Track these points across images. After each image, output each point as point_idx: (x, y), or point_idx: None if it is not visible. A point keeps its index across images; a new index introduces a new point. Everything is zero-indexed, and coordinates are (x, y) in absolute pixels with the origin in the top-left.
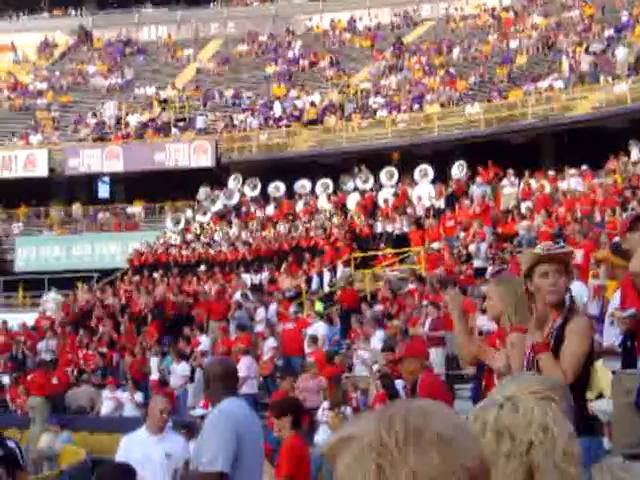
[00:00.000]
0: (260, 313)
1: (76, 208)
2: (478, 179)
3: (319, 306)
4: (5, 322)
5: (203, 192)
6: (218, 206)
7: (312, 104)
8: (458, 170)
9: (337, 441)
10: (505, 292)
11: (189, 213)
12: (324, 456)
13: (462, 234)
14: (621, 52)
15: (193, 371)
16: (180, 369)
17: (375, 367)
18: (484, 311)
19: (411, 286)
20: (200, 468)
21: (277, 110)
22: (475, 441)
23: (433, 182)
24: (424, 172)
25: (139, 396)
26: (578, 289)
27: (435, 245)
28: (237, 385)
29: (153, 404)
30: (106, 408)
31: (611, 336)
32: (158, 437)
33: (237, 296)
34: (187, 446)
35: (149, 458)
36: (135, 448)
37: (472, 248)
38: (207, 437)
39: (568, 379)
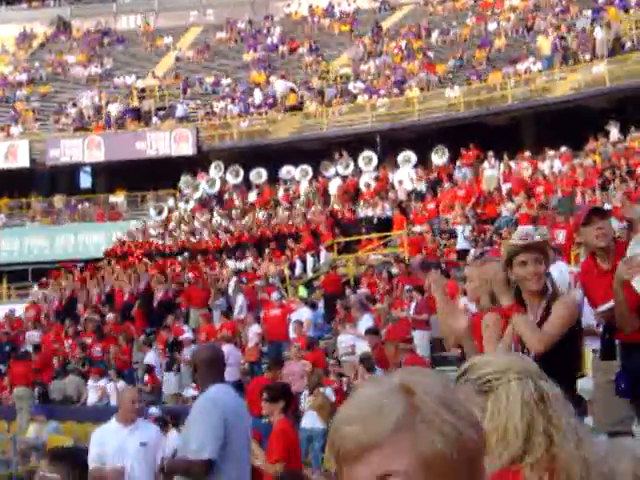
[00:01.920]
0: (239, 300)
1: (58, 199)
2: (459, 162)
3: (302, 291)
4: None
5: (184, 181)
6: (200, 194)
7: (292, 90)
8: (438, 156)
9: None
10: (479, 274)
11: (171, 202)
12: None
13: (445, 217)
14: (599, 32)
15: (172, 362)
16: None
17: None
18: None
19: (394, 270)
20: (189, 456)
21: (257, 97)
22: (454, 425)
23: (414, 166)
24: (407, 158)
25: (122, 385)
26: (562, 269)
27: (417, 228)
28: (224, 371)
29: (123, 395)
30: (92, 398)
31: (589, 317)
32: (130, 427)
33: (232, 284)
34: (160, 434)
35: (124, 449)
36: (109, 440)
37: (457, 228)
38: (195, 424)
39: (546, 340)
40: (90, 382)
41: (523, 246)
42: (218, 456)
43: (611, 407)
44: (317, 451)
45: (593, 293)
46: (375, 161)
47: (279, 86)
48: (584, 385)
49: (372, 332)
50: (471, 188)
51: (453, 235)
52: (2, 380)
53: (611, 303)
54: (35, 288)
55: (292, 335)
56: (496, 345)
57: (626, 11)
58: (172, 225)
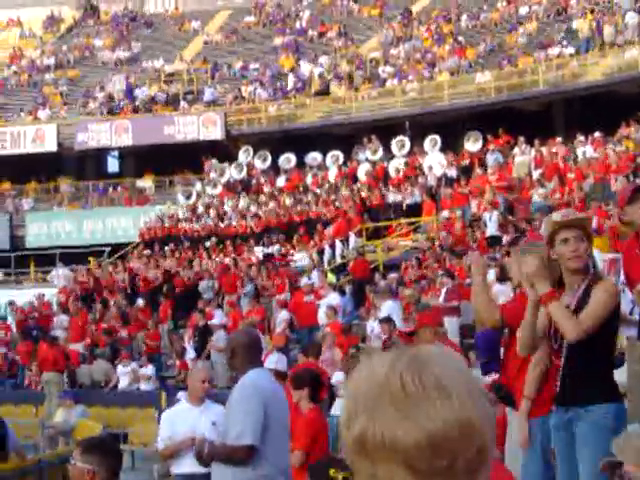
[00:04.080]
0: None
1: (64, 185)
2: (490, 147)
3: (332, 277)
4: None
5: (209, 165)
6: (227, 178)
7: (320, 75)
8: (471, 142)
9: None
10: (519, 259)
11: (199, 186)
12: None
13: (474, 203)
14: (631, 17)
15: (202, 347)
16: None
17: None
18: (499, 280)
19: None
20: (228, 442)
21: (286, 81)
22: (462, 406)
23: (444, 151)
24: (434, 142)
25: (150, 370)
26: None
27: (445, 213)
28: (261, 356)
29: (193, 375)
30: (123, 382)
31: (623, 304)
32: (200, 408)
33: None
34: None
35: (195, 429)
36: (179, 421)
37: (485, 216)
38: (234, 410)
39: (582, 329)
40: (120, 367)
41: (565, 223)
42: (259, 441)
43: None
44: None
45: (633, 272)
46: (408, 146)
47: (308, 70)
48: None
49: (386, 321)
50: (504, 174)
51: (483, 222)
52: (31, 365)
53: None
54: (63, 272)
55: (323, 321)
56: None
57: None
58: (200, 210)
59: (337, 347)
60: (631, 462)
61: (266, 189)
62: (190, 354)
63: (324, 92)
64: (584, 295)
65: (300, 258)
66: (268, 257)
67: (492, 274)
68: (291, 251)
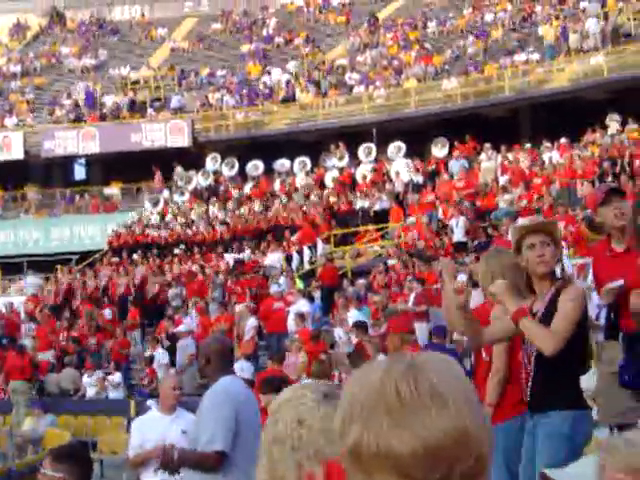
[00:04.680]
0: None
1: (31, 192)
2: (456, 153)
3: (299, 284)
4: None
5: (177, 173)
6: (194, 186)
7: (287, 82)
8: (438, 148)
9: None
10: (488, 265)
11: (166, 194)
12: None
13: (441, 209)
14: (592, 23)
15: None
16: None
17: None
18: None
19: (392, 262)
20: (199, 448)
21: (253, 88)
22: (458, 414)
23: (411, 157)
24: (398, 148)
25: (118, 377)
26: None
27: (412, 219)
28: (233, 363)
29: (164, 383)
30: (89, 392)
31: (590, 309)
32: (171, 416)
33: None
34: None
35: (166, 437)
36: (150, 429)
37: (452, 222)
38: (205, 416)
39: (558, 339)
40: (85, 377)
41: (531, 228)
42: (230, 448)
43: (615, 399)
44: None
45: (602, 274)
46: (374, 152)
47: (275, 77)
48: (586, 382)
49: (360, 326)
50: (469, 180)
51: (449, 228)
52: None
53: (620, 282)
54: (31, 280)
55: (292, 328)
56: (504, 337)
57: (625, 2)
58: (168, 217)
59: (304, 353)
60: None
61: (234, 195)
62: (163, 359)
63: (291, 99)
64: (552, 300)
65: (273, 260)
66: (239, 263)
67: (462, 279)
68: (264, 255)
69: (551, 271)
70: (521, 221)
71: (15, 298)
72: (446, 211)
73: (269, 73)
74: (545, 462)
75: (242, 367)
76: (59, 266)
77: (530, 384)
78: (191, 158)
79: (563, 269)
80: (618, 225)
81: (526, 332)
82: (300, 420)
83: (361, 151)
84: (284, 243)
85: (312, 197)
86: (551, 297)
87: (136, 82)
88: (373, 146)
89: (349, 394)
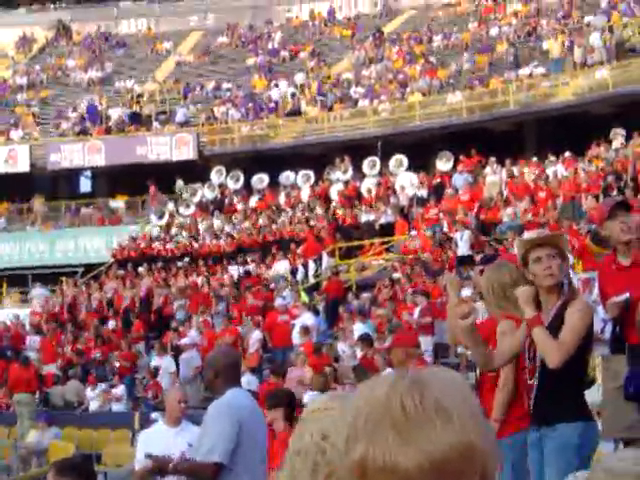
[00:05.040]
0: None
1: (38, 204)
2: (460, 167)
3: (304, 297)
4: None
5: (178, 186)
6: (199, 199)
7: (293, 95)
8: (442, 162)
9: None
10: (490, 278)
11: (171, 206)
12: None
13: (446, 222)
14: (596, 37)
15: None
16: (165, 364)
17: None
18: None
19: (397, 275)
20: (198, 457)
21: (258, 102)
22: (463, 428)
23: (416, 171)
24: (399, 162)
25: (121, 390)
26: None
27: (414, 233)
28: (240, 377)
29: (170, 395)
30: (93, 405)
31: (595, 323)
32: (177, 429)
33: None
34: None
35: (171, 450)
36: (155, 442)
37: (456, 236)
38: (208, 427)
39: (564, 353)
40: (89, 390)
41: (537, 241)
42: (230, 460)
43: (620, 413)
44: None
45: (608, 288)
46: (379, 166)
47: (280, 91)
48: (592, 395)
49: (365, 339)
50: (474, 194)
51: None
52: (2, 385)
53: (626, 295)
54: (37, 292)
55: (297, 341)
56: (513, 356)
57: (630, 16)
58: (174, 230)
59: (309, 367)
60: None
61: (240, 207)
62: (171, 368)
63: (296, 112)
64: (558, 313)
65: (280, 269)
66: (247, 275)
67: (467, 293)
68: (269, 268)
69: (558, 284)
70: (527, 234)
71: (20, 310)
72: (450, 225)
73: (277, 86)
74: (557, 474)
75: (248, 381)
76: (64, 278)
77: (534, 397)
78: (196, 171)
79: (570, 282)
80: (624, 239)
81: (536, 340)
82: (325, 434)
83: (365, 165)
84: (289, 256)
85: (317, 210)
86: (557, 310)
87: (141, 95)
88: (377, 160)
89: (354, 408)
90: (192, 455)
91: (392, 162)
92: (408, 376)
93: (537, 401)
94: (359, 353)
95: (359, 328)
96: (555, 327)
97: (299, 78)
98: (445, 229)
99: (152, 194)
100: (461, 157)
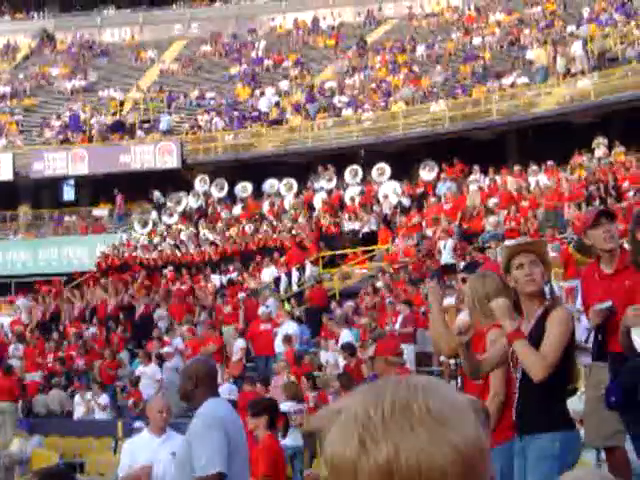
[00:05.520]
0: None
1: (24, 212)
2: (443, 176)
3: (287, 305)
4: None
5: (156, 197)
6: (183, 207)
7: (276, 104)
8: (426, 171)
9: (327, 414)
10: (474, 288)
11: (154, 215)
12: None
13: (429, 231)
14: (578, 47)
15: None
16: (150, 371)
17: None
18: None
19: (380, 284)
20: (198, 473)
21: (242, 110)
22: (475, 424)
23: (399, 180)
24: (382, 170)
25: (104, 399)
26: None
27: (397, 242)
28: (218, 385)
29: (151, 405)
30: (78, 412)
31: (578, 332)
32: (161, 437)
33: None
34: None
35: (155, 459)
36: (140, 451)
37: (440, 244)
38: (199, 440)
39: (547, 366)
40: (77, 397)
41: (519, 249)
42: (227, 468)
43: (602, 422)
44: (297, 472)
45: (591, 296)
46: (361, 174)
47: (264, 100)
48: (574, 405)
49: (348, 348)
50: (457, 202)
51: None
52: None
53: (609, 303)
54: (21, 302)
55: (279, 349)
56: (502, 362)
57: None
58: (157, 239)
59: (291, 375)
60: None
61: (223, 216)
62: (157, 375)
63: (280, 121)
64: (539, 322)
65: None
66: (230, 284)
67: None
68: (252, 277)
69: (540, 290)
70: (509, 241)
71: (3, 319)
72: (434, 233)
73: (263, 94)
74: None
75: (230, 390)
76: (46, 287)
77: (516, 406)
78: (180, 180)
79: (552, 290)
80: (607, 247)
81: (518, 354)
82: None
83: (347, 173)
84: (272, 265)
85: (300, 219)
86: (539, 318)
87: (125, 103)
88: (359, 168)
89: (354, 413)
90: (177, 464)
91: (374, 171)
92: (407, 379)
93: (518, 411)
94: (342, 362)
95: (343, 336)
96: (536, 336)
97: (283, 86)
98: (429, 236)
99: (119, 204)
100: (444, 166)
